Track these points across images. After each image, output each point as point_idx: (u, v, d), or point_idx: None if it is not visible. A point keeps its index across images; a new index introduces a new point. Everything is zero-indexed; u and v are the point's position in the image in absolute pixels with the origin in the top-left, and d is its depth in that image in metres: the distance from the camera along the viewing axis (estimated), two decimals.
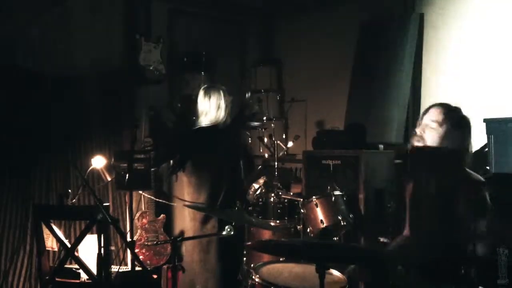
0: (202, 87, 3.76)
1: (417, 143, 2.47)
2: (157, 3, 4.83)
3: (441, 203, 2.43)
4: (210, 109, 3.66)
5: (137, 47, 4.54)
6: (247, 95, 3.90)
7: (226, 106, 3.67)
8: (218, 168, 3.57)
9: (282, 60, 5.63)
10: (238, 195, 3.69)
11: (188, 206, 3.58)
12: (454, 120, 2.44)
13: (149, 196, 4.25)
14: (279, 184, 4.07)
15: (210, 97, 3.67)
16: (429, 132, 2.44)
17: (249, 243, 3.56)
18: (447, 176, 2.42)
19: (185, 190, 3.70)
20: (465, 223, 2.38)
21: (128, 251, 3.70)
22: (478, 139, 3.60)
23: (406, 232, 2.72)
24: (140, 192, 4.16)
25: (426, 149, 2.43)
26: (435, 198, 2.45)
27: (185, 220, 3.72)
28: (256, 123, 3.94)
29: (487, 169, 3.31)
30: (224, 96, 3.68)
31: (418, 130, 2.48)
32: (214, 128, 3.62)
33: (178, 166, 3.66)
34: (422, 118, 2.50)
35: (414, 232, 2.63)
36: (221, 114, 3.66)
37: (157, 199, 4.25)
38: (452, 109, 2.48)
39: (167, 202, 4.27)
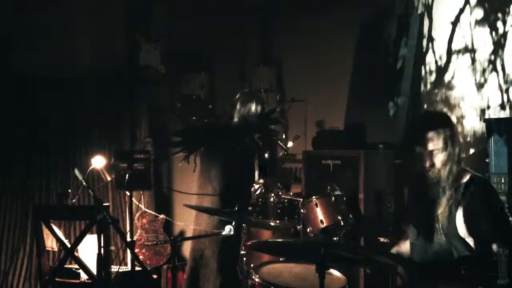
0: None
1: (431, 173, 2.47)
2: (157, 3, 4.83)
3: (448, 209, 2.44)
4: (234, 110, 3.83)
5: (137, 47, 4.54)
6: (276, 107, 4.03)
7: (244, 110, 3.76)
8: (225, 166, 3.61)
9: (282, 60, 5.63)
10: (243, 196, 3.72)
11: (189, 206, 3.58)
12: (453, 138, 2.46)
13: (148, 210, 4.25)
14: (279, 184, 4.07)
15: (235, 99, 3.87)
16: (437, 158, 2.44)
17: (249, 243, 3.56)
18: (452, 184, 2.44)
19: (195, 183, 3.76)
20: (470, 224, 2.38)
21: (128, 251, 3.70)
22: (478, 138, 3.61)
23: (405, 239, 2.74)
24: (142, 206, 4.17)
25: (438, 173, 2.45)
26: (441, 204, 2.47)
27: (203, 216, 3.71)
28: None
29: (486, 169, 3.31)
30: (246, 101, 3.81)
31: (427, 162, 2.47)
32: (233, 127, 3.69)
33: (188, 152, 3.73)
34: (422, 145, 2.47)
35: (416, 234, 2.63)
36: (236, 116, 3.78)
37: (151, 211, 4.26)
38: (445, 125, 2.48)
39: (154, 213, 4.27)
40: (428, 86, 4.18)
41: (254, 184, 3.93)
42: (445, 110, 3.96)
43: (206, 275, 3.58)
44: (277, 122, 4.17)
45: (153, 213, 4.23)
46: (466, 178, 2.43)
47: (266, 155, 3.87)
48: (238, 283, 3.48)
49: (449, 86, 4.02)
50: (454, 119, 3.83)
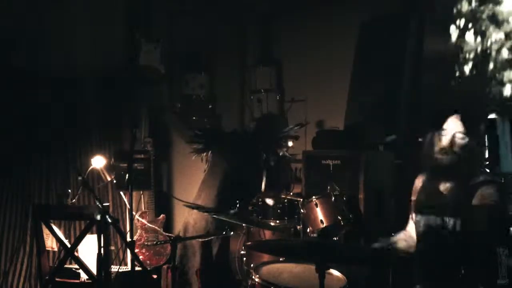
0: None
1: (445, 156, 2.44)
2: (157, 3, 4.83)
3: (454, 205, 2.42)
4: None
5: (137, 47, 4.54)
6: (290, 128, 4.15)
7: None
8: (227, 172, 3.65)
9: (282, 60, 5.63)
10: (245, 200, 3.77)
11: (188, 206, 3.59)
12: (479, 130, 2.46)
13: (143, 220, 4.24)
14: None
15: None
16: (458, 145, 2.42)
17: (249, 243, 3.56)
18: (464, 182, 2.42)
19: (196, 183, 3.84)
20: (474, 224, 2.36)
21: (128, 251, 3.70)
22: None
23: (408, 227, 2.72)
24: (138, 217, 4.16)
25: (454, 162, 2.42)
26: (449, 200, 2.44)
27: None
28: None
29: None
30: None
31: (444, 143, 2.44)
32: (243, 136, 3.78)
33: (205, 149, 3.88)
34: (441, 129, 2.45)
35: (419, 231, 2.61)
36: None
37: (145, 220, 4.25)
38: (472, 117, 2.48)
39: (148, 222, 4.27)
40: (473, 4, 3.97)
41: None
42: (492, 27, 3.83)
43: (194, 265, 3.63)
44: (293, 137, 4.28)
45: (145, 221, 4.21)
46: (479, 179, 2.40)
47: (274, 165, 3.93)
48: (226, 277, 3.51)
49: (496, 1, 3.85)
50: (502, 35, 3.73)
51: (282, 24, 5.64)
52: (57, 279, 3.05)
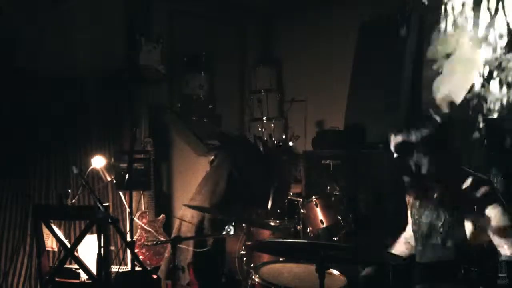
0: None
1: None
2: (157, 3, 4.83)
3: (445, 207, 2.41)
4: None
5: (137, 47, 4.54)
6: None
7: None
8: (232, 174, 3.68)
9: (282, 60, 5.64)
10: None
11: (189, 207, 3.60)
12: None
13: (140, 223, 4.25)
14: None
15: None
16: None
17: (249, 243, 3.57)
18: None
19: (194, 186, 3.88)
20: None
21: (128, 251, 3.70)
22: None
23: (407, 230, 2.73)
24: (137, 221, 4.15)
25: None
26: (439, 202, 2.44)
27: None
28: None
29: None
30: None
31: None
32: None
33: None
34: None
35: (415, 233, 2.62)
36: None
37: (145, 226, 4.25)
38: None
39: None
40: (499, 51, 3.76)
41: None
42: None
43: (187, 258, 3.65)
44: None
45: (141, 224, 4.22)
46: (468, 182, 2.35)
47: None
48: (219, 270, 3.54)
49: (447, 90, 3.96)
50: None
51: (282, 24, 5.64)
52: (57, 279, 3.05)
